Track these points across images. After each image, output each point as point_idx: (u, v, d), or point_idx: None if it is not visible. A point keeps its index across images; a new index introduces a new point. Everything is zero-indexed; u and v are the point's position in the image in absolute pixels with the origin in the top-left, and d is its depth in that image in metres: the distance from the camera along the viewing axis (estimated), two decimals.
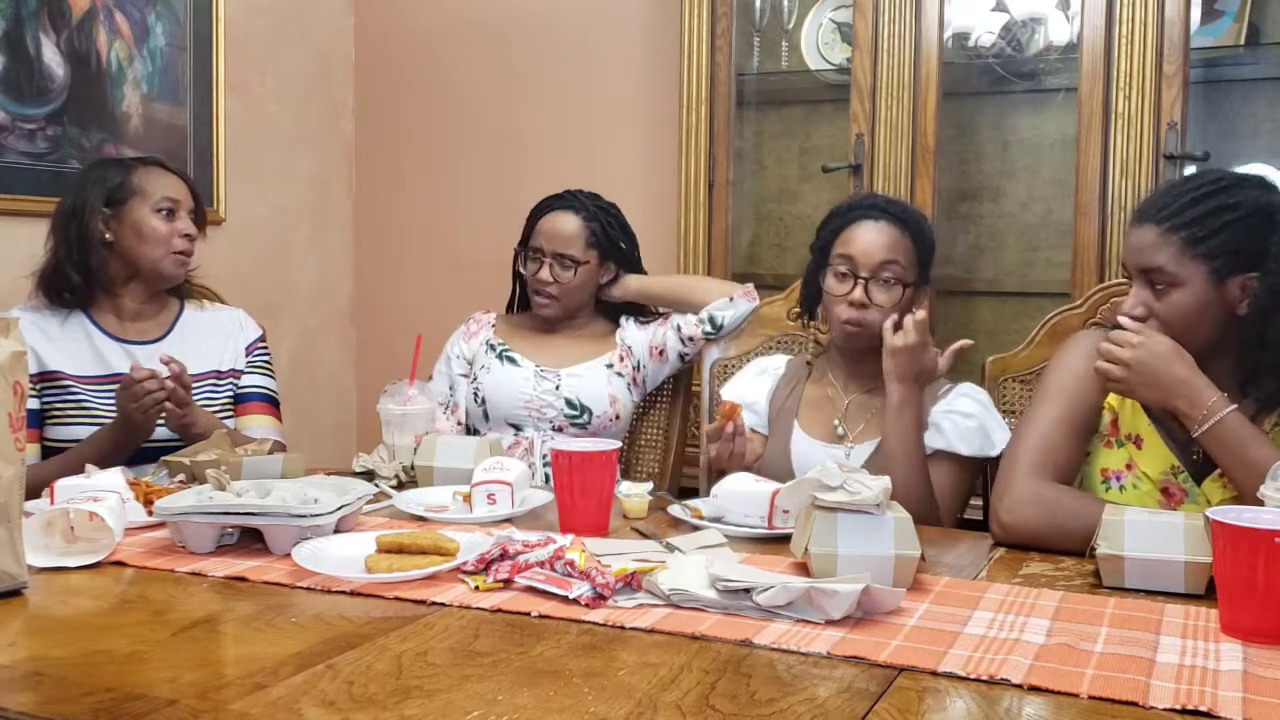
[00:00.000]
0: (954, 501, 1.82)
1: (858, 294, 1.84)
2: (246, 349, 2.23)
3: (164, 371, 1.91)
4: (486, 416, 2.27)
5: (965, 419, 1.83)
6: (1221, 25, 2.57)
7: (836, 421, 1.91)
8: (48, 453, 2.02)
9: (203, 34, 2.94)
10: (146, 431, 1.93)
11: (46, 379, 2.03)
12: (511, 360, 2.28)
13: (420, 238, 3.42)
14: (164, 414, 1.92)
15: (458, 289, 3.25)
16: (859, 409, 1.91)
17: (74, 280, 2.05)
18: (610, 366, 2.28)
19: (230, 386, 2.19)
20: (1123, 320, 1.59)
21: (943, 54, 2.53)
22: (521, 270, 2.33)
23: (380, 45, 3.45)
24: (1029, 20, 2.70)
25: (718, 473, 1.84)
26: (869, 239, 1.86)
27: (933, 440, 1.82)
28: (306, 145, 3.33)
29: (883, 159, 2.56)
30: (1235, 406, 1.50)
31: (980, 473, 1.87)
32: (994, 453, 1.81)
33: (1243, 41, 2.56)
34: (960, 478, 1.84)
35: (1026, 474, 1.59)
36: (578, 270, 2.26)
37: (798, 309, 2.11)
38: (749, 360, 2.24)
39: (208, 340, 2.19)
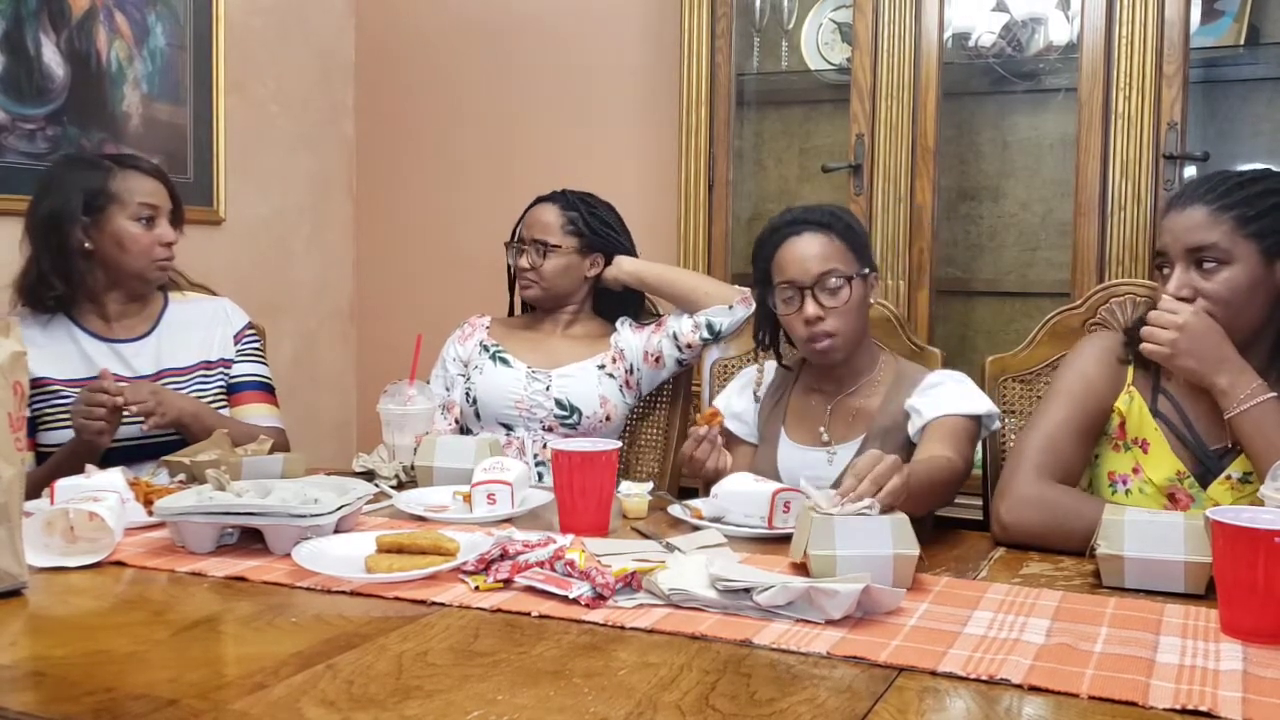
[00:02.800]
0: (960, 456, 1.75)
1: (810, 309, 1.81)
2: (235, 337, 2.22)
3: (126, 373, 1.91)
4: (478, 416, 2.29)
5: (937, 389, 1.82)
6: (1221, 25, 2.57)
7: (821, 429, 1.91)
8: (41, 459, 2.01)
9: (203, 34, 2.94)
10: (93, 440, 1.88)
11: (35, 385, 2.01)
12: (504, 361, 2.30)
13: (420, 238, 3.42)
14: (138, 421, 1.91)
15: (458, 289, 3.26)
16: (841, 412, 1.91)
17: (57, 288, 2.03)
18: (602, 368, 2.29)
19: (221, 376, 2.18)
20: (1167, 300, 1.58)
21: (943, 54, 2.53)
22: (510, 263, 2.38)
23: (380, 45, 3.45)
24: (1029, 20, 2.70)
25: (702, 481, 1.84)
26: (800, 253, 1.84)
27: (915, 423, 1.81)
28: (306, 145, 3.33)
29: (883, 159, 2.56)
30: (1275, 395, 1.51)
31: (976, 431, 1.83)
32: (980, 410, 1.79)
33: (1242, 41, 2.56)
34: (953, 426, 1.77)
35: (1029, 474, 1.59)
36: (548, 253, 2.29)
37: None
38: (749, 360, 2.24)
39: (194, 331, 2.18)
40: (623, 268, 2.34)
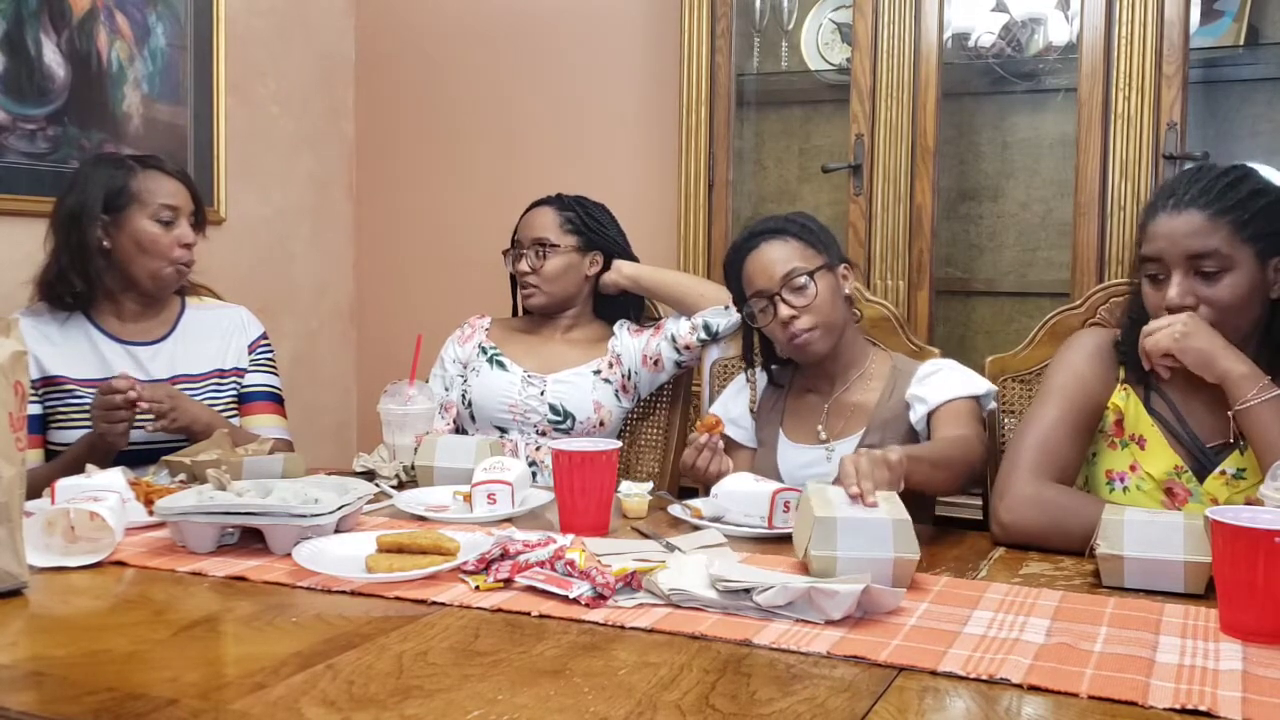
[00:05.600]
0: (977, 434, 1.78)
1: (783, 311, 1.86)
2: (249, 347, 2.22)
3: (141, 376, 1.91)
4: (473, 418, 2.30)
5: (935, 375, 1.85)
6: (1221, 25, 2.57)
7: (819, 427, 1.92)
8: (51, 457, 2.01)
9: (203, 34, 2.94)
10: (113, 442, 1.89)
11: (49, 384, 2.02)
12: (500, 364, 2.30)
13: (420, 238, 3.43)
14: (149, 421, 1.91)
15: (458, 289, 3.26)
16: (839, 409, 1.92)
17: (76, 286, 2.04)
18: (598, 373, 2.29)
19: (234, 385, 2.18)
20: (1170, 311, 1.57)
21: (942, 54, 2.53)
22: (510, 270, 2.37)
23: (380, 45, 3.45)
24: (1029, 20, 2.70)
25: (702, 483, 1.85)
26: (762, 264, 1.89)
27: (919, 410, 1.83)
28: (307, 145, 3.33)
29: (882, 159, 2.56)
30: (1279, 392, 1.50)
31: (981, 410, 1.84)
32: (980, 391, 1.82)
33: (1242, 41, 2.56)
34: (963, 409, 1.79)
35: (1027, 474, 1.59)
36: (548, 253, 2.29)
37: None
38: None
39: (210, 339, 2.18)
40: (621, 271, 2.35)
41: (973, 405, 1.82)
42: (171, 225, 2.07)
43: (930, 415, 1.81)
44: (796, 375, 2.00)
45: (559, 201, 2.36)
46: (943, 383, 1.83)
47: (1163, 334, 1.54)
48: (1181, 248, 1.57)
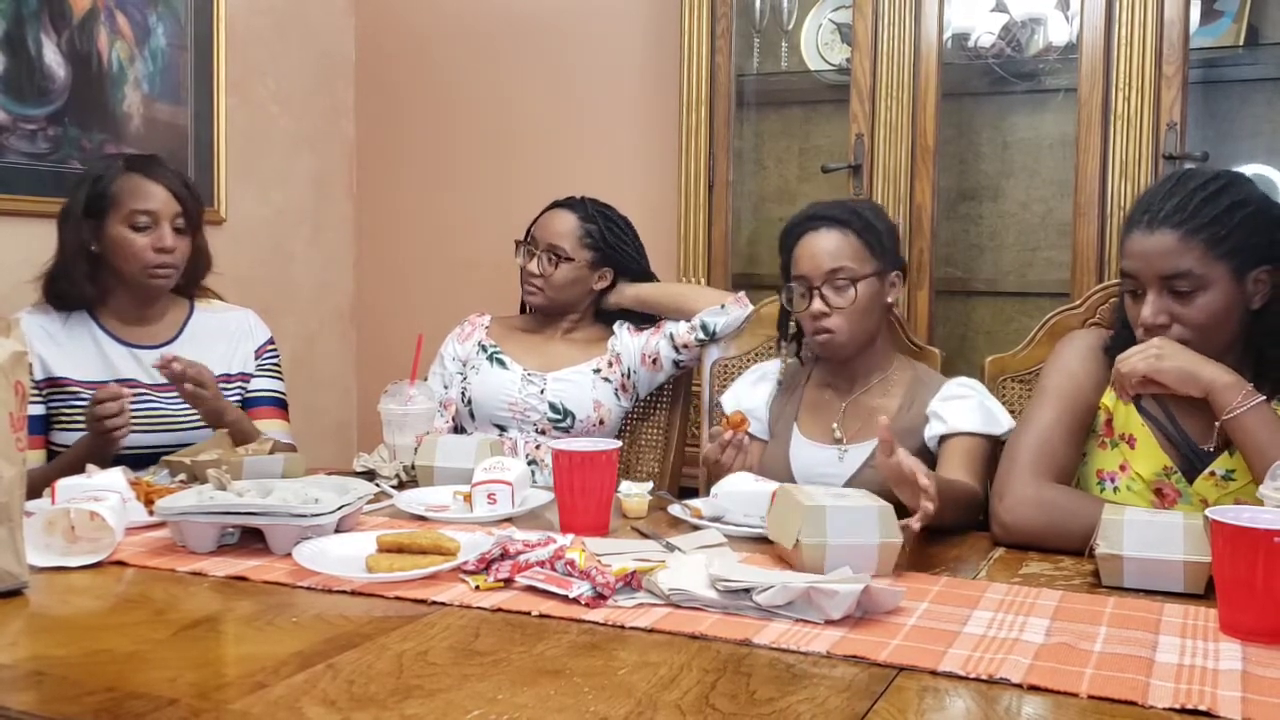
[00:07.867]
0: (980, 485, 1.77)
1: (816, 305, 1.85)
2: (256, 352, 2.22)
3: (145, 379, 1.92)
4: (472, 416, 2.30)
5: (962, 401, 1.82)
6: (1221, 25, 2.57)
7: (835, 425, 1.91)
8: (53, 459, 2.01)
9: (203, 34, 2.94)
10: (105, 446, 1.88)
11: (53, 385, 2.02)
12: (500, 362, 2.30)
13: (420, 238, 3.43)
14: (190, 401, 1.95)
15: (458, 289, 3.26)
16: (856, 410, 1.91)
17: (67, 288, 2.04)
18: (597, 371, 2.29)
19: (239, 390, 2.18)
20: (1145, 329, 1.56)
21: (942, 54, 2.53)
22: (519, 263, 2.36)
23: (380, 45, 3.45)
24: (1028, 21, 2.70)
25: (711, 474, 1.85)
26: (814, 250, 1.87)
27: (936, 429, 1.81)
28: (307, 145, 3.33)
29: (882, 159, 2.56)
30: (1264, 398, 1.50)
31: (993, 453, 1.82)
32: (999, 431, 1.78)
33: (1242, 42, 2.56)
34: (975, 449, 1.78)
35: (1026, 474, 1.59)
36: (560, 264, 2.28)
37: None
38: (750, 360, 2.24)
39: (217, 343, 2.18)
40: (625, 294, 2.35)
41: (986, 448, 1.79)
42: (147, 230, 2.03)
43: (942, 438, 1.80)
44: (815, 369, 2.00)
45: (583, 209, 2.32)
46: (966, 411, 1.80)
47: (1138, 359, 1.53)
48: (1154, 268, 1.56)
